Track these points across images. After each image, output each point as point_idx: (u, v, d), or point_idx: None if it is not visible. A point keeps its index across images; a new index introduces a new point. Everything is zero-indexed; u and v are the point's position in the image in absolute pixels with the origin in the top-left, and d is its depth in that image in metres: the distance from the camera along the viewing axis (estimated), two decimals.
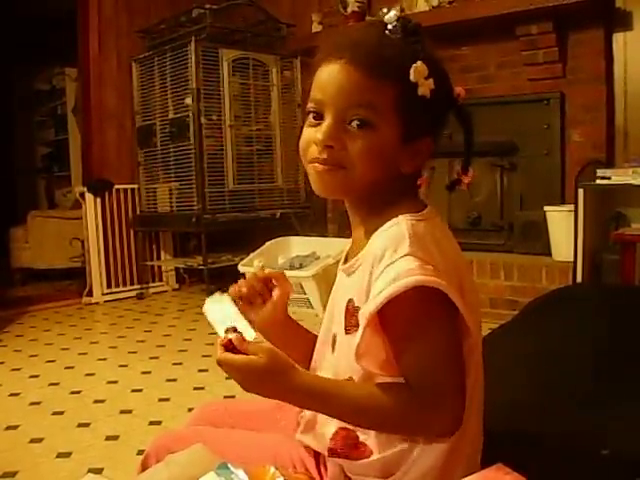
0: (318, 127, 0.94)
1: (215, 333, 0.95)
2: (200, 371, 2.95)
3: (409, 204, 0.96)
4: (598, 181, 3.32)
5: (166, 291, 5.12)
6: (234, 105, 4.63)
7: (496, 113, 4.03)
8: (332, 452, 0.97)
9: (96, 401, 2.59)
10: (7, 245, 5.56)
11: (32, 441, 2.19)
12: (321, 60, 0.96)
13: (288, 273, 4.23)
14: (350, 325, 0.95)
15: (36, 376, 2.95)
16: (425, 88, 0.91)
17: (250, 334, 0.92)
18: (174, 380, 2.85)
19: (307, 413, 1.04)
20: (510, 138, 4.04)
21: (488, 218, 4.20)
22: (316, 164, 0.95)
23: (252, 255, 4.41)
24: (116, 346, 3.51)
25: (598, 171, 3.35)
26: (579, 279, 3.33)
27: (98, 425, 2.33)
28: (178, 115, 4.56)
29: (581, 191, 3.33)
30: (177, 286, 5.21)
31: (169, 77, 4.59)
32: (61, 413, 2.46)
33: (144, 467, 1.10)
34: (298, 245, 4.58)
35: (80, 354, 3.33)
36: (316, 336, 1.12)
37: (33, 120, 7.36)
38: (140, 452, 2.01)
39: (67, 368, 3.07)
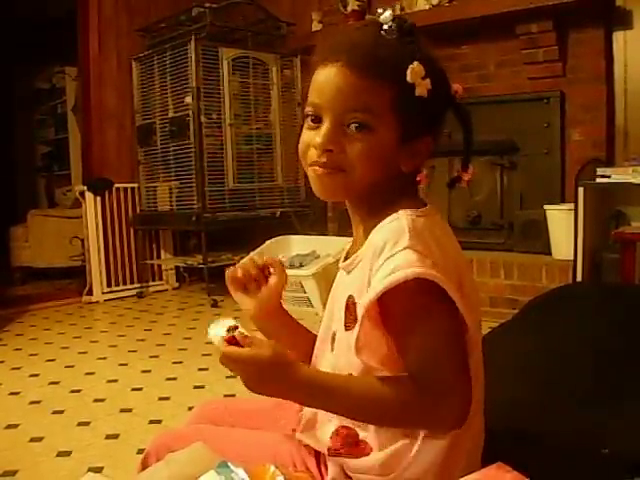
0: (317, 131, 0.94)
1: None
2: (200, 370, 2.95)
3: (409, 202, 0.96)
4: (598, 180, 3.32)
5: (166, 290, 5.12)
6: (234, 104, 4.62)
7: (496, 112, 4.03)
8: (332, 451, 0.97)
9: (96, 400, 2.59)
10: (7, 244, 5.55)
11: (32, 440, 2.19)
12: (317, 63, 0.96)
13: (288, 272, 4.21)
14: (349, 321, 0.95)
15: (36, 375, 2.95)
16: (422, 88, 0.91)
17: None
18: (174, 379, 2.85)
19: (307, 412, 1.04)
20: (510, 137, 4.04)
21: (488, 217, 4.20)
22: (316, 167, 0.95)
23: (252, 254, 4.40)
24: (116, 345, 3.51)
25: (598, 170, 3.35)
26: (579, 278, 3.33)
27: (98, 424, 2.33)
28: (178, 114, 4.56)
29: (581, 190, 3.33)
30: (177, 285, 5.21)
31: (169, 76, 4.59)
32: (61, 412, 2.46)
33: (144, 466, 1.10)
34: (298, 244, 4.58)
35: (80, 353, 3.33)
36: (314, 335, 1.12)
37: (33, 119, 7.35)
38: (140, 451, 2.01)
39: (67, 367, 3.07)
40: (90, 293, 4.73)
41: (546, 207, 3.74)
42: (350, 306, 0.95)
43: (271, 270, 1.11)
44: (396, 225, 0.91)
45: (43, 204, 7.11)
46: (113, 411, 2.46)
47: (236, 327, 0.90)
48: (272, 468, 0.88)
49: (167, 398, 2.59)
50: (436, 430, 0.89)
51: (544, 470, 1.03)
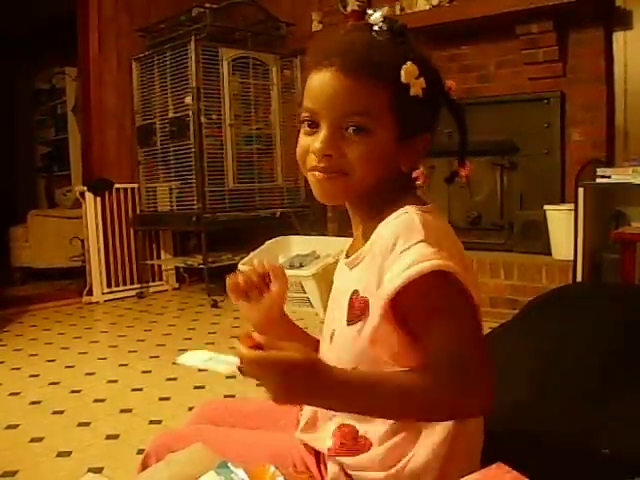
0: (315, 136, 0.94)
1: (204, 370, 0.93)
2: (200, 370, 2.95)
3: (411, 200, 0.97)
4: (598, 180, 3.32)
5: (166, 290, 5.12)
6: (234, 104, 4.63)
7: (496, 112, 4.04)
8: (332, 451, 0.98)
9: (96, 400, 2.59)
10: (7, 244, 5.56)
11: (32, 440, 2.19)
12: (310, 68, 0.96)
13: (288, 272, 4.21)
14: (353, 316, 0.95)
15: (36, 375, 2.95)
16: (417, 88, 0.92)
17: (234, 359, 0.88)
18: (174, 379, 2.85)
19: (307, 412, 1.05)
20: (510, 137, 4.04)
21: (488, 217, 4.20)
22: (316, 172, 0.95)
23: (252, 254, 4.40)
24: (116, 345, 3.51)
25: (598, 170, 3.35)
26: (579, 278, 3.33)
27: (98, 424, 2.33)
28: (178, 114, 4.56)
29: (581, 190, 3.33)
30: (177, 285, 5.22)
31: (169, 76, 4.59)
32: (61, 412, 2.46)
33: (144, 466, 1.10)
34: (298, 244, 4.58)
35: (80, 353, 3.33)
36: (318, 340, 1.12)
37: (33, 119, 7.36)
38: (140, 451, 2.01)
39: (67, 367, 3.07)
40: (90, 293, 4.73)
41: (546, 207, 3.74)
42: (354, 301, 0.95)
43: (272, 277, 1.10)
44: (406, 219, 0.91)
45: (43, 204, 7.11)
46: (113, 411, 2.46)
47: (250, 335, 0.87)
48: (272, 468, 0.88)
49: (167, 398, 2.59)
50: (466, 417, 0.89)
51: (544, 470, 1.03)
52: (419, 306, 0.87)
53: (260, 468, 0.89)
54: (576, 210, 3.34)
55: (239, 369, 0.84)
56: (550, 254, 3.73)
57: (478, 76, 4.20)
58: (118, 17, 4.89)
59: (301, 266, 4.17)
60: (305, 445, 1.05)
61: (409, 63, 0.91)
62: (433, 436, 0.92)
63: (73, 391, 2.71)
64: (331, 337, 1.03)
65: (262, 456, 1.00)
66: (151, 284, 5.07)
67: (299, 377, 0.80)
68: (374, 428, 0.94)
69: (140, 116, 4.88)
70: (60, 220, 5.42)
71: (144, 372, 2.97)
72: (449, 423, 0.91)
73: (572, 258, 3.36)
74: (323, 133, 0.93)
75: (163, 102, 4.69)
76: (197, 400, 2.47)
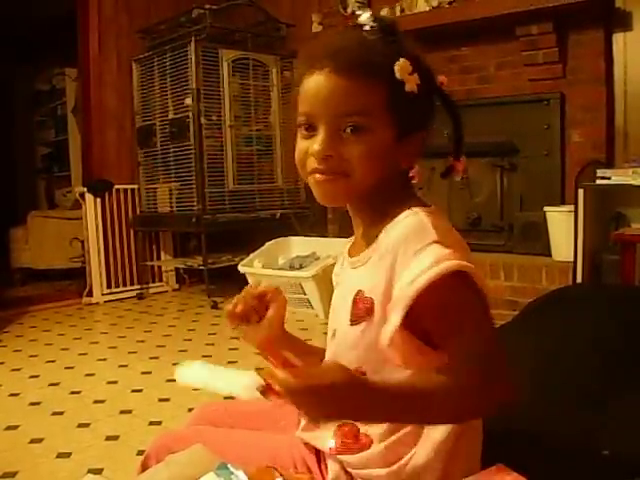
0: (313, 139, 0.94)
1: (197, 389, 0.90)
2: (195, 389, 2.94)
3: (414, 201, 0.97)
4: (598, 181, 3.32)
5: (166, 291, 5.12)
6: (234, 105, 4.63)
7: (496, 113, 4.04)
8: (334, 450, 0.98)
9: (96, 401, 2.59)
10: (7, 245, 5.56)
11: (32, 441, 2.19)
12: (303, 72, 0.96)
13: (288, 273, 4.21)
14: (357, 316, 0.95)
15: (36, 376, 2.95)
16: (412, 84, 0.92)
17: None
18: (174, 380, 2.82)
19: None
20: (510, 138, 4.04)
21: (488, 218, 4.20)
22: (317, 175, 0.95)
23: (252, 255, 4.41)
24: (116, 346, 3.51)
25: (598, 171, 3.35)
26: (579, 279, 3.33)
27: (98, 425, 2.33)
28: (178, 115, 4.57)
29: (581, 191, 3.33)
30: (177, 286, 5.21)
31: (169, 77, 4.60)
32: (61, 413, 2.46)
33: (144, 467, 1.10)
34: (298, 245, 4.58)
35: (80, 354, 3.32)
36: (323, 350, 1.12)
37: (33, 120, 7.36)
38: (140, 452, 2.01)
39: (67, 368, 3.07)
40: (90, 294, 4.73)
41: (546, 209, 3.74)
42: (358, 301, 0.95)
43: (269, 298, 1.09)
44: (414, 220, 0.91)
45: (43, 205, 7.11)
46: (113, 412, 2.46)
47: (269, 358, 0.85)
48: (272, 470, 0.88)
49: (167, 399, 2.59)
50: (495, 412, 0.88)
51: (544, 471, 1.03)
52: (438, 307, 0.87)
53: (260, 469, 0.89)
54: (576, 211, 3.34)
55: (262, 392, 0.82)
56: (550, 255, 3.73)
57: (478, 77, 4.20)
58: (118, 18, 4.89)
59: (301, 267, 4.18)
60: (305, 444, 1.05)
61: (402, 60, 0.91)
62: (435, 435, 0.92)
63: (73, 392, 2.71)
64: (332, 336, 1.03)
65: (262, 457, 1.00)
66: (151, 285, 5.07)
67: (348, 398, 0.78)
68: (375, 426, 0.95)
69: (140, 117, 4.88)
70: (60, 221, 5.41)
71: (144, 373, 2.97)
72: None
73: (572, 259, 3.36)
74: (321, 135, 0.93)
75: (163, 103, 4.69)
76: (197, 401, 2.47)
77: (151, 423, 2.33)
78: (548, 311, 1.91)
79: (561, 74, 3.85)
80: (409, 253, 0.88)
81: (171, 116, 4.64)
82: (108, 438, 2.20)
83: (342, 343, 0.98)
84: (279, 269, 4.28)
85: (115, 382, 2.85)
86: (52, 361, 3.20)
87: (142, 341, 3.56)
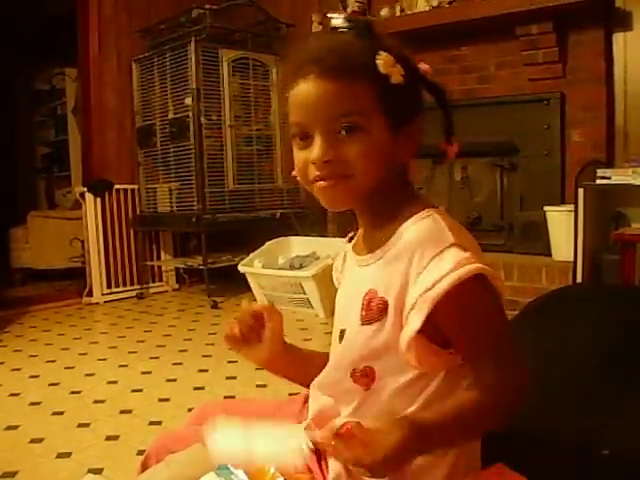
0: (310, 148, 0.94)
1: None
2: (200, 371, 2.95)
3: (417, 198, 0.99)
4: (598, 181, 3.32)
5: (166, 291, 5.12)
6: (234, 105, 4.63)
7: (496, 113, 4.04)
8: None
9: (96, 401, 2.59)
10: (7, 245, 5.55)
11: (32, 441, 2.19)
12: (289, 83, 0.96)
13: (288, 273, 4.21)
14: (370, 316, 0.94)
15: (36, 376, 2.95)
16: (397, 75, 0.92)
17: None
18: (174, 380, 2.85)
19: (312, 412, 1.05)
20: (510, 138, 4.04)
21: (488, 218, 4.20)
22: (320, 182, 0.95)
23: (252, 255, 4.41)
24: (116, 346, 3.51)
25: (598, 171, 3.35)
26: (579, 279, 3.33)
27: (98, 425, 2.33)
28: (178, 115, 4.57)
29: (581, 191, 3.33)
30: (177, 286, 5.21)
31: (169, 77, 4.60)
32: (61, 413, 2.46)
33: (144, 467, 1.10)
34: (298, 245, 4.58)
35: (80, 354, 3.33)
36: (326, 355, 1.12)
37: (33, 120, 7.35)
38: (140, 452, 2.01)
39: (67, 368, 3.07)
40: (90, 294, 4.73)
41: (546, 208, 3.74)
42: (371, 301, 0.94)
43: (265, 315, 1.09)
44: (430, 222, 0.92)
45: (43, 205, 7.11)
46: (113, 412, 2.46)
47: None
48: (272, 469, 0.88)
49: (167, 399, 2.59)
50: (519, 405, 0.89)
51: (544, 471, 1.03)
52: (457, 311, 0.88)
53: (260, 469, 0.89)
54: (576, 211, 3.34)
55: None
56: (550, 255, 3.73)
57: (478, 77, 4.20)
58: (118, 18, 4.89)
59: (301, 267, 4.18)
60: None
61: (383, 53, 0.91)
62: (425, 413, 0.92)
63: (73, 392, 2.71)
64: (341, 336, 1.02)
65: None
66: (151, 285, 5.07)
67: (413, 450, 0.80)
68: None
69: (140, 117, 4.88)
70: (60, 221, 5.42)
71: (144, 373, 2.97)
72: None
73: (572, 259, 3.36)
74: (317, 141, 0.93)
75: (163, 103, 4.69)
76: (197, 401, 2.47)
77: (151, 423, 2.34)
78: (548, 311, 1.91)
79: (561, 74, 3.86)
80: (426, 256, 0.88)
81: (171, 116, 4.64)
82: (108, 438, 2.20)
83: (352, 343, 0.98)
84: (279, 269, 4.28)
85: (115, 382, 2.85)
86: (52, 361, 3.20)
87: (142, 341, 3.56)
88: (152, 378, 2.89)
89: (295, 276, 4.04)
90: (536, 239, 3.84)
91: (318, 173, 0.94)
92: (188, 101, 4.44)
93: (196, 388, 2.72)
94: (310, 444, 0.86)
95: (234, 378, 2.81)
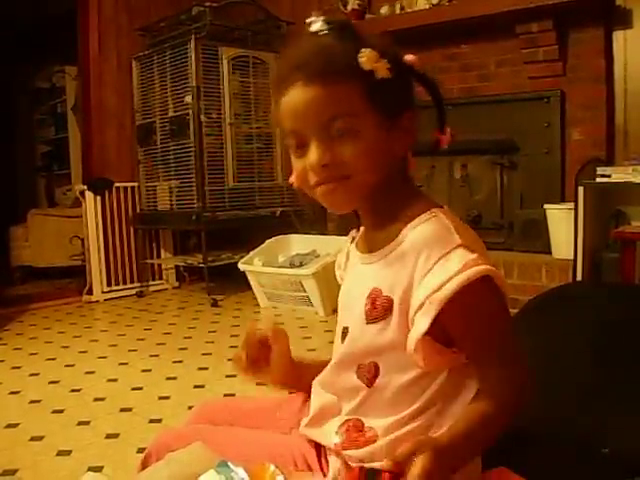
0: (307, 155, 0.94)
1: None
2: (200, 369, 2.95)
3: (419, 195, 0.99)
4: (598, 179, 3.32)
5: (166, 289, 5.12)
6: (234, 103, 4.63)
7: (496, 111, 4.04)
8: (339, 445, 0.98)
9: (96, 399, 2.59)
10: (7, 243, 5.56)
11: (32, 439, 2.19)
12: (277, 95, 0.96)
13: (288, 271, 4.21)
14: (375, 314, 0.94)
15: (36, 374, 2.95)
16: (382, 70, 0.92)
17: None
18: (174, 378, 2.85)
19: (313, 409, 1.05)
20: (510, 136, 4.04)
21: (488, 216, 4.20)
22: (320, 187, 0.95)
23: (252, 253, 4.41)
24: (116, 344, 3.51)
25: (598, 169, 3.35)
26: (579, 277, 3.33)
27: (98, 423, 2.33)
28: (178, 113, 4.56)
29: (581, 189, 3.33)
30: (177, 284, 5.22)
31: (169, 75, 4.60)
32: (61, 411, 2.46)
33: (145, 465, 1.10)
34: (298, 243, 4.58)
35: (80, 352, 3.33)
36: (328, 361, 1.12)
37: (33, 118, 7.34)
38: (140, 450, 2.01)
39: (67, 366, 3.08)
40: (90, 292, 4.73)
41: (546, 206, 3.74)
42: (375, 299, 0.95)
43: (271, 338, 1.11)
44: (436, 223, 0.92)
45: (43, 204, 7.11)
46: (113, 410, 2.46)
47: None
48: (272, 467, 0.89)
49: (167, 397, 2.59)
50: (523, 405, 0.90)
51: (544, 470, 1.03)
52: (464, 312, 0.88)
53: (260, 467, 0.89)
54: (576, 209, 3.34)
55: None
56: (550, 253, 3.73)
57: (478, 75, 4.20)
58: (118, 16, 4.89)
59: (301, 265, 4.18)
60: (306, 440, 1.05)
61: (365, 50, 0.91)
62: (438, 433, 0.92)
63: (73, 390, 2.71)
64: (344, 334, 1.02)
65: (262, 455, 1.00)
66: (151, 283, 5.07)
67: (444, 467, 0.79)
68: (380, 420, 0.95)
69: (140, 115, 4.88)
70: (60, 219, 5.42)
71: (144, 371, 2.97)
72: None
73: (572, 257, 3.36)
74: (313, 147, 0.93)
75: (163, 101, 4.69)
76: (197, 399, 2.47)
77: (151, 421, 2.34)
78: (548, 309, 1.91)
79: (561, 72, 3.85)
80: (433, 257, 0.88)
81: (171, 114, 4.64)
82: (108, 436, 2.20)
83: (356, 341, 0.98)
84: (279, 267, 4.28)
85: (115, 380, 2.85)
86: (52, 359, 3.20)
87: (142, 339, 3.56)
88: (152, 376, 2.90)
89: (295, 274, 4.05)
90: (536, 237, 3.84)
91: (317, 179, 0.94)
92: (188, 99, 4.44)
93: (196, 386, 2.73)
94: None
95: (234, 376, 2.81)
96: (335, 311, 1.10)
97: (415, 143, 0.99)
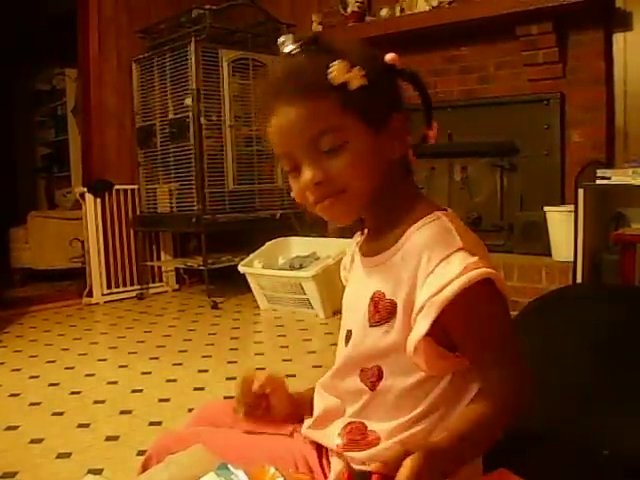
0: (301, 174, 0.95)
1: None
2: (200, 371, 2.95)
3: (421, 197, 0.99)
4: (598, 181, 3.32)
5: (166, 291, 5.12)
6: (234, 105, 4.63)
7: (496, 113, 4.04)
8: (341, 447, 0.98)
9: (96, 402, 2.59)
10: (7, 245, 5.55)
11: (32, 442, 2.18)
12: (265, 120, 0.96)
13: (288, 273, 4.21)
14: (379, 318, 0.94)
15: (36, 377, 2.95)
16: (355, 80, 0.91)
17: None
18: (174, 380, 2.84)
19: (316, 411, 1.05)
20: (510, 138, 4.04)
21: (488, 218, 4.20)
22: (319, 204, 0.95)
23: (252, 255, 4.41)
24: (116, 346, 3.51)
25: (598, 171, 3.35)
26: (579, 279, 3.33)
27: (98, 425, 2.33)
28: (178, 115, 4.56)
29: (581, 191, 3.33)
30: (177, 287, 5.21)
31: (169, 77, 4.60)
32: (61, 414, 2.46)
33: (145, 468, 1.10)
34: (298, 245, 4.58)
35: (80, 354, 3.32)
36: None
37: (33, 120, 7.35)
38: (140, 452, 2.01)
39: (67, 368, 3.07)
40: (90, 295, 4.73)
41: (546, 209, 3.74)
42: (378, 302, 0.95)
43: (268, 389, 1.11)
44: (439, 225, 0.92)
45: (43, 206, 7.11)
46: (113, 413, 2.46)
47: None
48: (272, 469, 0.88)
49: (167, 400, 2.59)
50: (524, 408, 0.90)
51: (544, 471, 1.03)
52: (464, 315, 0.88)
53: (260, 469, 0.89)
54: (576, 211, 3.34)
55: None
56: (550, 255, 3.73)
57: (478, 77, 4.21)
58: (118, 17, 4.89)
59: (301, 267, 4.18)
60: (308, 441, 1.05)
61: (334, 63, 0.90)
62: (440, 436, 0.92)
63: (73, 392, 2.71)
64: (347, 337, 1.02)
65: (262, 457, 1.00)
66: (151, 285, 5.07)
67: (435, 468, 0.77)
68: (383, 424, 0.95)
69: (140, 117, 4.88)
70: (60, 221, 5.41)
71: (144, 373, 2.96)
72: None
73: (572, 259, 3.36)
74: (304, 167, 0.94)
75: (163, 103, 4.69)
76: (197, 401, 2.47)
77: (151, 423, 2.33)
78: (548, 311, 1.91)
79: (561, 74, 3.86)
80: (434, 259, 0.88)
81: (171, 116, 4.64)
82: (108, 438, 2.20)
83: (359, 344, 0.98)
84: (279, 269, 4.28)
85: (115, 382, 2.85)
86: (52, 361, 3.20)
87: (142, 341, 3.56)
88: (152, 378, 2.89)
89: (295, 276, 4.04)
90: (536, 239, 3.85)
91: (314, 197, 0.95)
92: (188, 101, 4.44)
93: (196, 388, 2.72)
94: None
95: (234, 378, 2.81)
96: (335, 313, 1.11)
97: (412, 143, 0.99)
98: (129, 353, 3.32)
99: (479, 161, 4.18)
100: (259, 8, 4.85)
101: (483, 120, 4.07)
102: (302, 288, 3.99)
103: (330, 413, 1.03)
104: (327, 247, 4.29)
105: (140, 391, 2.71)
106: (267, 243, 4.52)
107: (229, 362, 3.06)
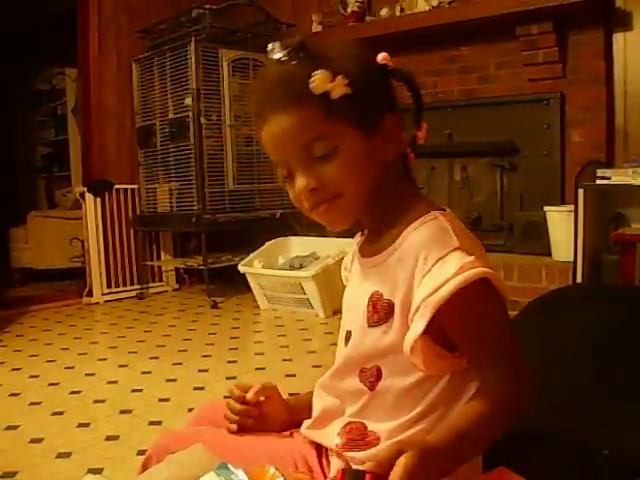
0: (295, 181, 0.95)
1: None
2: (200, 371, 2.95)
3: (420, 197, 0.99)
4: (598, 181, 3.32)
5: (166, 291, 5.12)
6: (234, 105, 4.62)
7: (496, 113, 4.04)
8: (340, 446, 0.98)
9: (96, 401, 2.59)
10: (7, 245, 5.55)
11: (32, 441, 2.18)
12: (258, 130, 0.98)
13: (288, 273, 4.21)
14: (377, 318, 0.94)
15: (36, 376, 2.95)
16: (337, 89, 0.90)
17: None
18: (174, 380, 2.85)
19: (315, 410, 1.05)
20: (510, 138, 4.04)
21: (488, 218, 4.20)
22: (315, 210, 0.96)
23: (252, 255, 4.41)
24: (116, 346, 3.51)
25: (598, 171, 3.35)
26: (579, 279, 3.33)
27: (98, 425, 2.33)
28: (178, 115, 4.57)
29: (581, 191, 3.33)
30: (177, 286, 5.21)
31: (169, 77, 4.60)
32: (61, 413, 2.46)
33: (145, 468, 1.10)
34: (298, 245, 4.58)
35: (80, 354, 3.32)
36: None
37: (33, 120, 7.35)
38: (140, 452, 2.01)
39: (67, 368, 3.07)
40: (90, 294, 4.73)
41: (546, 208, 3.74)
42: (377, 303, 0.95)
43: (259, 397, 1.11)
44: (435, 225, 0.92)
45: (43, 205, 7.11)
46: (113, 412, 2.46)
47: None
48: (272, 469, 0.88)
49: (167, 399, 2.59)
50: (524, 407, 0.89)
51: (544, 471, 1.03)
52: (461, 315, 0.88)
53: (260, 469, 0.89)
54: (576, 211, 3.34)
55: None
56: (550, 255, 3.73)
57: (478, 77, 4.21)
58: (118, 17, 4.89)
59: (301, 267, 4.18)
60: (308, 441, 1.05)
61: (316, 73, 0.90)
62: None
63: (73, 392, 2.71)
64: (347, 338, 1.02)
65: (262, 457, 1.00)
66: (151, 285, 5.07)
67: (429, 468, 0.76)
68: (382, 424, 0.95)
69: (140, 117, 4.88)
70: (60, 221, 5.41)
71: (144, 373, 2.97)
72: None
73: (572, 259, 3.36)
74: (298, 174, 0.94)
75: (163, 103, 4.69)
76: (197, 401, 2.47)
77: (151, 423, 2.33)
78: (548, 311, 1.91)
79: (561, 74, 3.86)
80: (430, 259, 0.88)
81: (171, 116, 4.64)
82: (108, 438, 2.20)
83: (358, 344, 0.98)
84: (279, 269, 4.28)
85: (115, 382, 2.85)
86: (52, 361, 3.20)
87: (142, 341, 3.56)
88: (152, 378, 2.89)
89: (295, 276, 4.05)
90: (536, 239, 3.85)
91: (309, 203, 0.95)
92: (188, 101, 4.44)
93: (196, 388, 2.72)
94: None
95: (234, 378, 2.82)
96: (335, 313, 1.11)
97: (406, 142, 0.99)
98: (129, 353, 3.32)
99: (479, 161, 4.18)
100: (259, 8, 4.85)
101: (483, 120, 4.07)
102: (302, 288, 3.99)
103: (329, 413, 1.03)
104: (327, 247, 4.29)
105: (140, 391, 2.71)
106: (267, 243, 4.53)
107: (229, 362, 3.06)
